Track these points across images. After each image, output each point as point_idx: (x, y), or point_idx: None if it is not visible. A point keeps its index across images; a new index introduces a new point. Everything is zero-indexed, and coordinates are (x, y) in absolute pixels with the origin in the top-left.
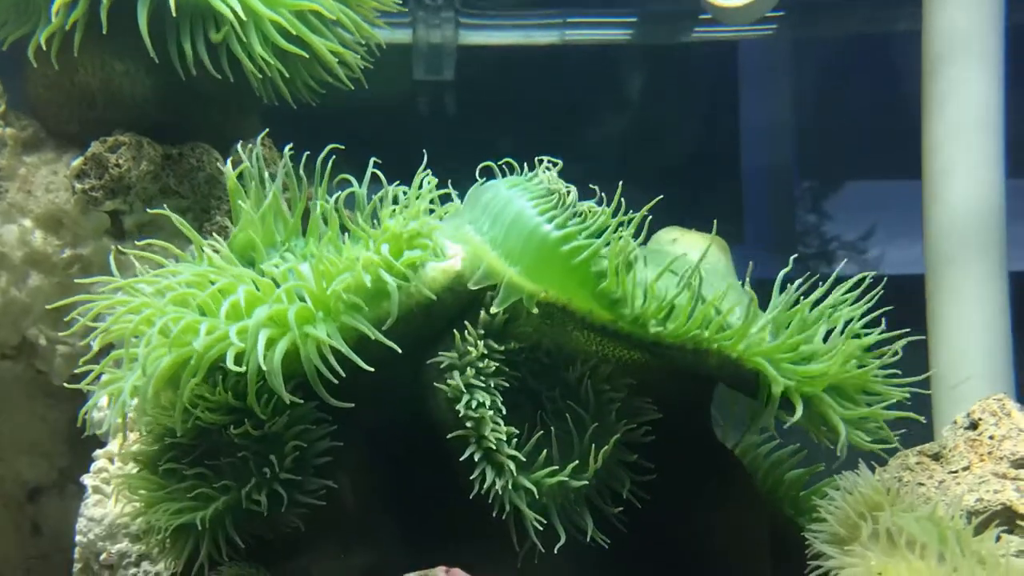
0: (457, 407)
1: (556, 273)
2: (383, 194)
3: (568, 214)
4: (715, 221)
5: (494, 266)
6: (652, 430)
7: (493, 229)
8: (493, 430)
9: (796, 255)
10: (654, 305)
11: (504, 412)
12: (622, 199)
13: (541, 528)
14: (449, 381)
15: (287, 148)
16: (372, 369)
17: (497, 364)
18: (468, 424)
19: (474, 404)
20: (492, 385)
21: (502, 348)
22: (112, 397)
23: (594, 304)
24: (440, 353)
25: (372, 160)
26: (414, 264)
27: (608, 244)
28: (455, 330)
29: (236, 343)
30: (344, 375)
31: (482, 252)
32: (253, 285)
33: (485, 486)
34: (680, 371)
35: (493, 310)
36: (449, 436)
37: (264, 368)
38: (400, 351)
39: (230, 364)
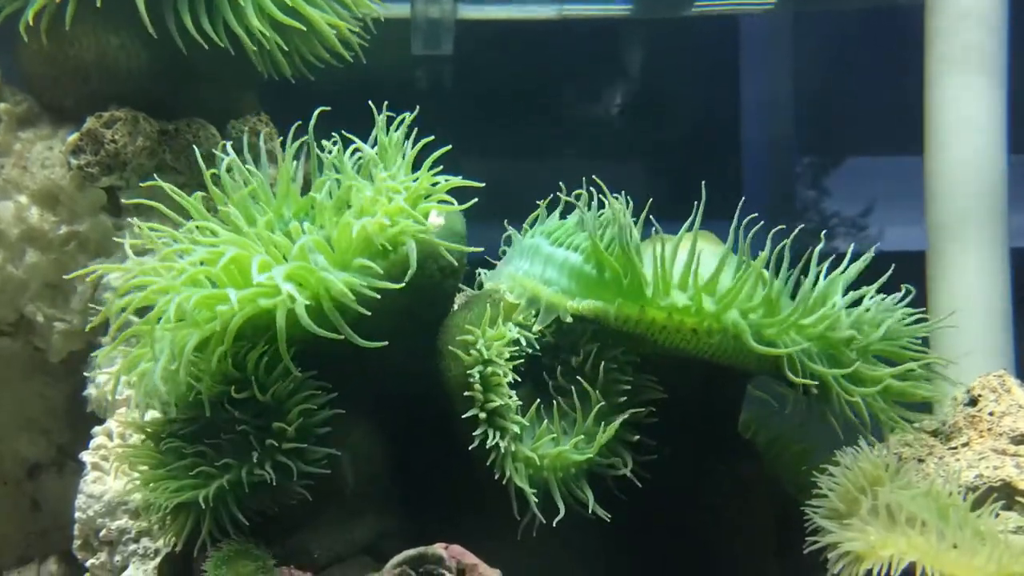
0: (470, 372)
1: (589, 287)
2: (374, 156)
3: (596, 235)
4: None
5: (536, 291)
6: (659, 410)
7: (533, 266)
8: (501, 397)
9: (824, 232)
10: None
11: (514, 385)
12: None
13: (537, 501)
14: (472, 351)
15: (293, 127)
16: (401, 285)
17: (516, 338)
18: (477, 388)
19: (488, 372)
20: (507, 357)
21: (528, 330)
22: (137, 383)
23: (618, 297)
24: (468, 319)
25: (371, 105)
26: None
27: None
28: (487, 303)
29: (265, 281)
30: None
31: (525, 283)
32: (272, 245)
33: (488, 448)
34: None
35: (536, 328)
36: (465, 393)
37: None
38: (412, 309)
39: (265, 306)
